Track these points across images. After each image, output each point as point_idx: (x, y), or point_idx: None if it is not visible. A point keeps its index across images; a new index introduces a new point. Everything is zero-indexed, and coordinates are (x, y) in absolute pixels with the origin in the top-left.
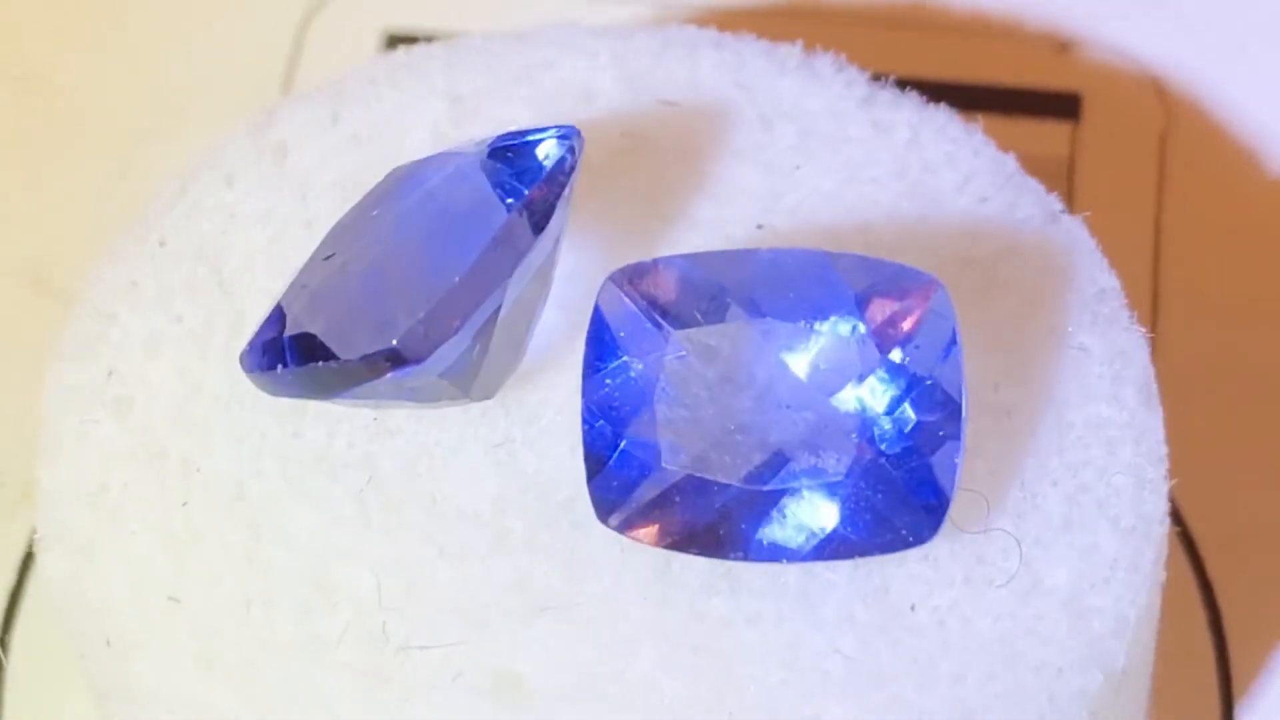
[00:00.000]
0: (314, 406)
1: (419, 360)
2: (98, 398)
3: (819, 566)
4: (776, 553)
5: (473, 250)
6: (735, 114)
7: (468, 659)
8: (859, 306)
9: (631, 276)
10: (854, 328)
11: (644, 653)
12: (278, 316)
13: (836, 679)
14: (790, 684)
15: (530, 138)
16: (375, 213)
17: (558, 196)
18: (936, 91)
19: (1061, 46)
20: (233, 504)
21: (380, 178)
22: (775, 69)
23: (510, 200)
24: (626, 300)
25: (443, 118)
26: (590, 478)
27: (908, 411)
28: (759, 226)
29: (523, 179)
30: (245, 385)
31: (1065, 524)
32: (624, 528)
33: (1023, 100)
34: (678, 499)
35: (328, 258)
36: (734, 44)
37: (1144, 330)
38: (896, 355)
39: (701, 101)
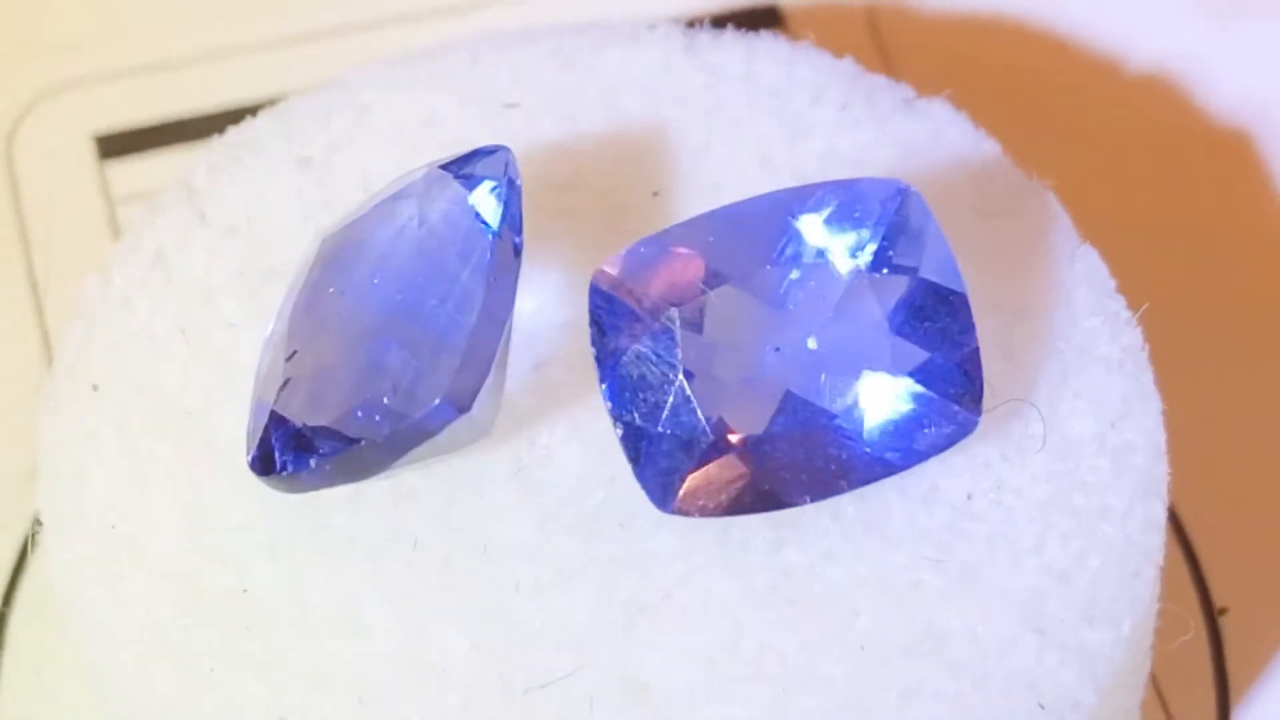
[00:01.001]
0: (322, 494)
1: (468, 408)
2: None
3: (867, 490)
4: (829, 488)
5: (476, 284)
6: (576, 100)
7: (592, 682)
8: (834, 231)
9: (611, 274)
10: (833, 253)
11: (748, 621)
12: (273, 418)
13: (933, 585)
14: (895, 603)
15: (468, 169)
16: (333, 288)
17: (520, 211)
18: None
19: None
20: (299, 620)
21: (268, 260)
22: (596, 45)
23: (487, 226)
24: (617, 296)
25: (304, 182)
26: (637, 471)
27: (915, 317)
28: (654, 193)
29: (485, 204)
30: (244, 502)
31: (1064, 376)
32: (683, 508)
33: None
34: (722, 465)
35: (293, 354)
36: (550, 35)
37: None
38: (884, 270)
39: (541, 98)
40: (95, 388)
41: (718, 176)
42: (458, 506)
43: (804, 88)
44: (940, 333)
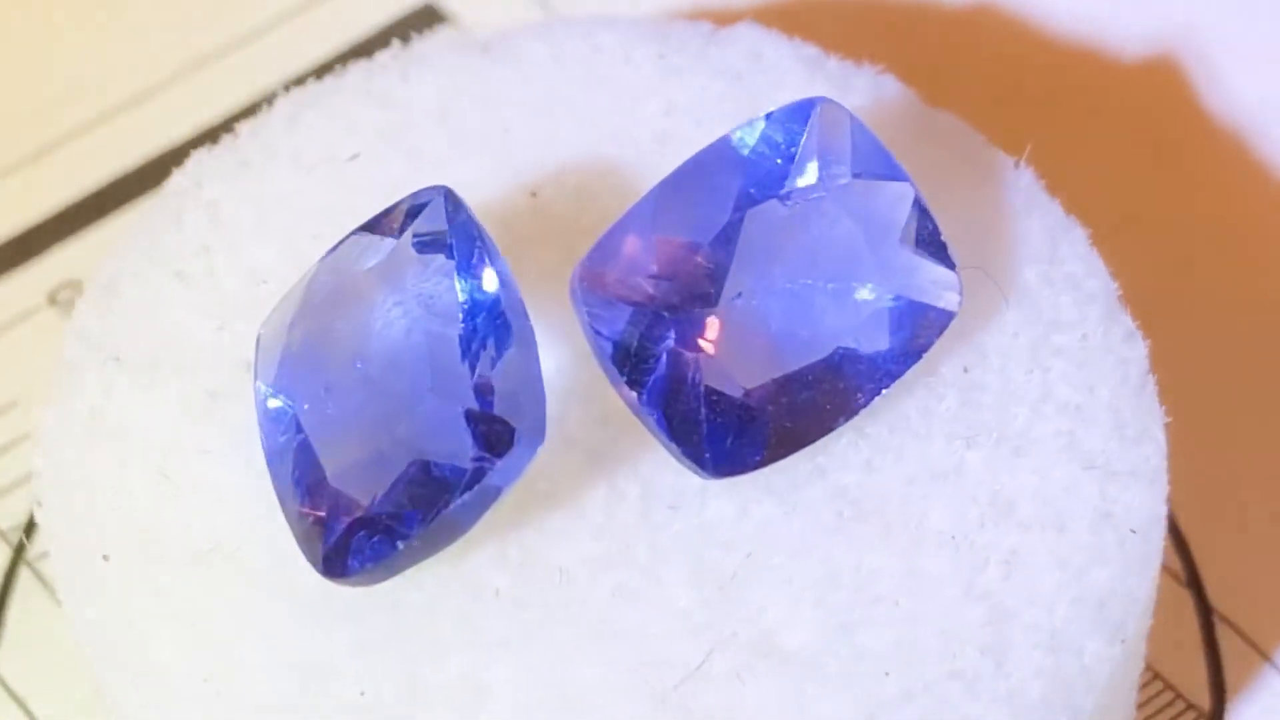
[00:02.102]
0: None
1: (543, 436)
2: None
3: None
4: (848, 407)
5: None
6: (406, 131)
7: (728, 659)
8: (774, 164)
9: (589, 278)
10: (784, 184)
11: (834, 552)
12: (339, 509)
13: (977, 458)
14: (954, 486)
15: (425, 229)
16: (326, 387)
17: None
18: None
19: None
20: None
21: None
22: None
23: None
24: (604, 298)
25: (191, 297)
26: (685, 451)
27: (876, 219)
28: (532, 194)
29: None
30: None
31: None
32: (729, 469)
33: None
34: (763, 412)
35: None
36: (359, 74)
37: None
38: (835, 182)
39: (376, 138)
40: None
41: (585, 159)
42: (512, 544)
43: (613, 53)
44: (902, 227)
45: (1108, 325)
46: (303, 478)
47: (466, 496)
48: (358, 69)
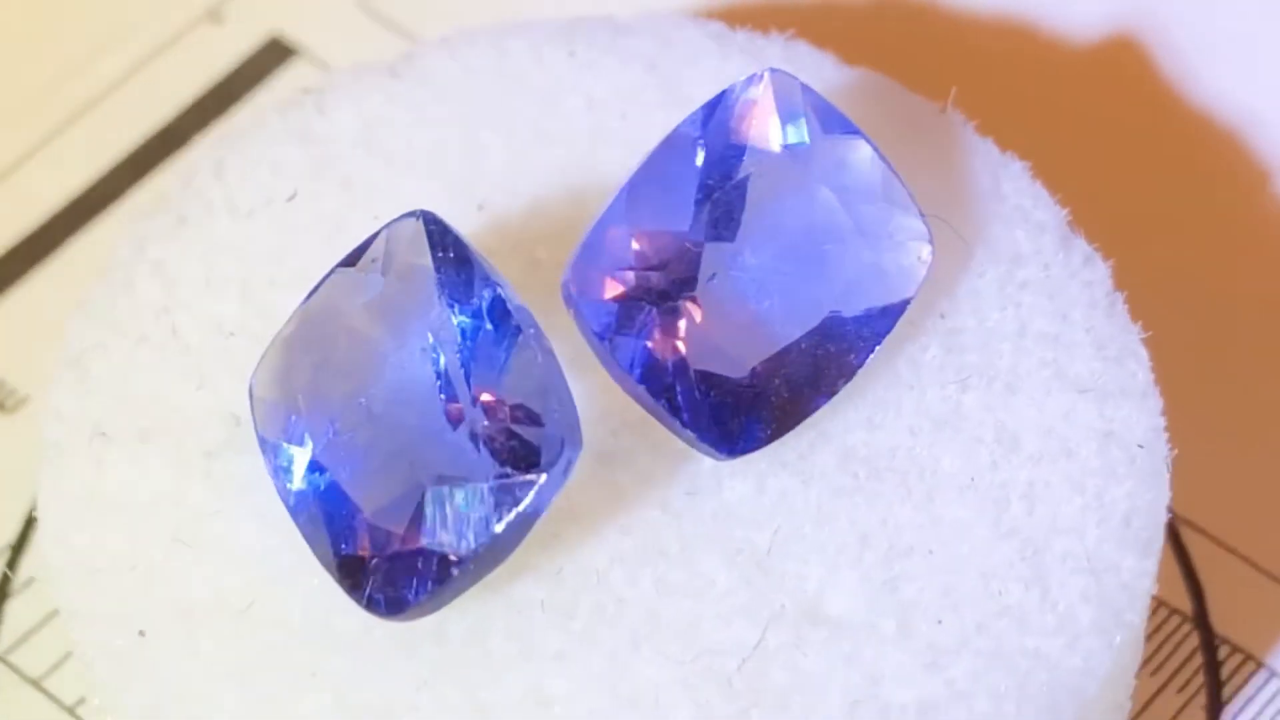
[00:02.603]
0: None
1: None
2: None
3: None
4: (844, 372)
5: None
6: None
7: (783, 635)
8: (738, 134)
9: (580, 279)
10: (746, 159)
11: (860, 513)
12: (384, 545)
13: (973, 400)
14: (956, 430)
15: (410, 258)
16: (350, 433)
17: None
18: None
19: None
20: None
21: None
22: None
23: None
24: (597, 297)
25: (164, 372)
26: (699, 436)
27: (844, 179)
28: (479, 207)
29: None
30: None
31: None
32: (742, 448)
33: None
34: (766, 387)
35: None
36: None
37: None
38: (801, 145)
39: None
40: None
41: (521, 166)
42: (541, 555)
43: (522, 57)
44: (868, 184)
45: (1065, 252)
46: (337, 520)
47: (512, 513)
48: (269, 109)
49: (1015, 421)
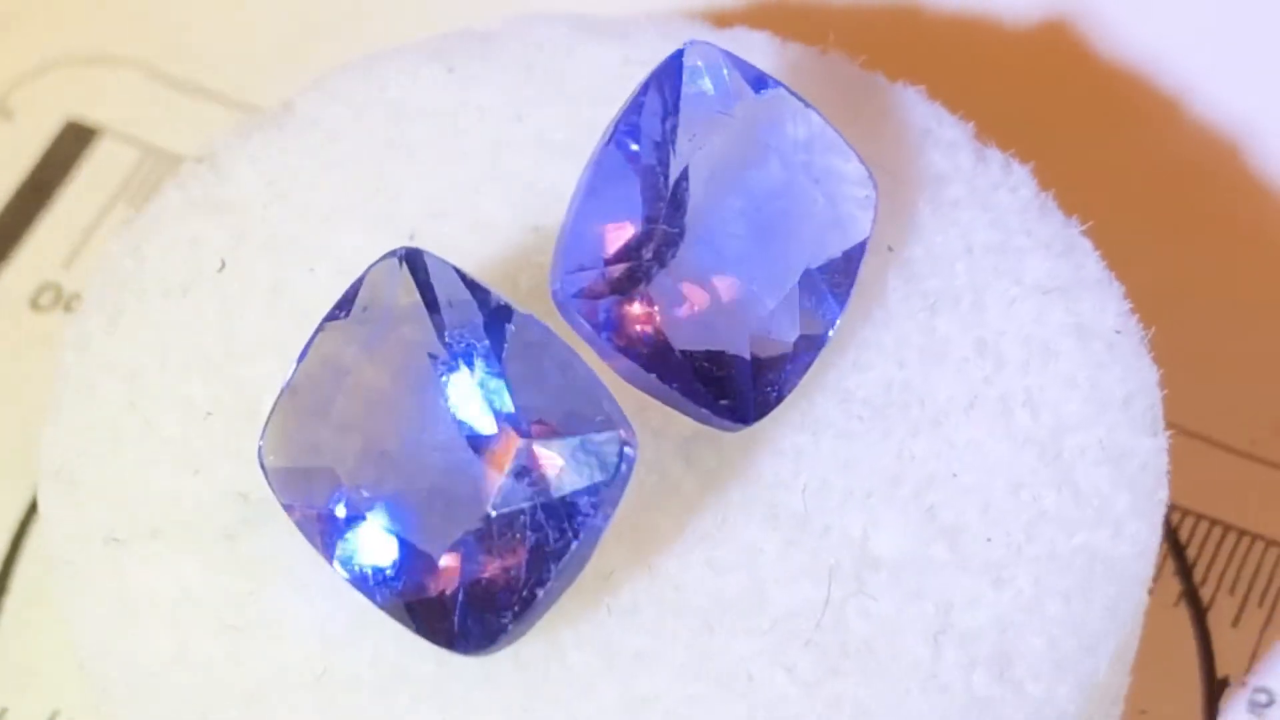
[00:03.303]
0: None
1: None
2: None
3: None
4: (835, 308)
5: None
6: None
7: (845, 587)
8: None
9: (570, 285)
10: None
11: (880, 447)
12: (463, 579)
13: (945, 324)
14: (941, 354)
15: (400, 298)
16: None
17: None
18: None
19: None
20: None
21: None
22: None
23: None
24: (589, 301)
25: (154, 465)
26: (719, 412)
27: (777, 129)
28: (410, 236)
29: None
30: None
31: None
32: (763, 409)
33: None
34: (766, 349)
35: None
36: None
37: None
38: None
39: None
40: None
41: (440, 192)
42: (591, 560)
43: (401, 82)
44: (804, 134)
45: (983, 164)
46: (403, 569)
47: (585, 525)
48: (164, 188)
49: (992, 334)
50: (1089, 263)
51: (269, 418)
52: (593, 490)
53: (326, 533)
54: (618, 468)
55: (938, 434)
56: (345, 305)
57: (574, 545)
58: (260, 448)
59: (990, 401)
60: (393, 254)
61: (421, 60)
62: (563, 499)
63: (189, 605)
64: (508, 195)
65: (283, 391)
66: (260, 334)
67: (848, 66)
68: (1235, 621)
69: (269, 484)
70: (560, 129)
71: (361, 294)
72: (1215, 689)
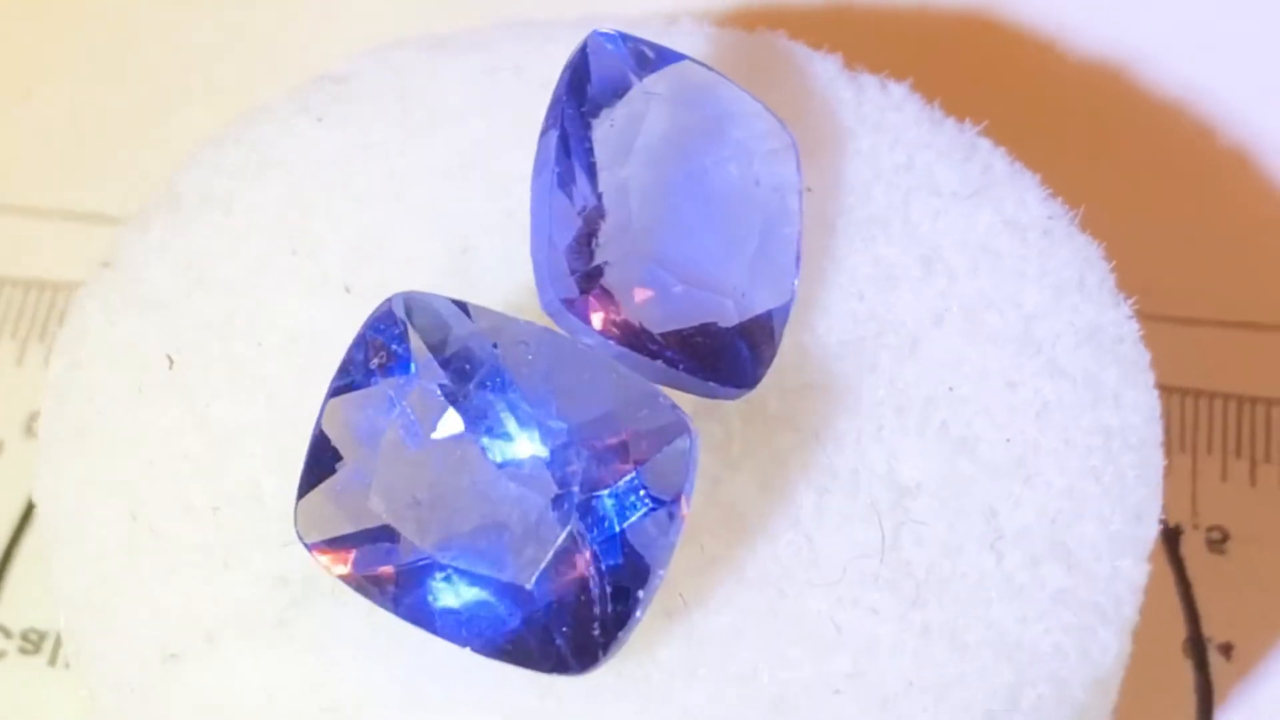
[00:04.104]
0: None
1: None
2: None
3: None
4: (793, 253)
5: None
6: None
7: (900, 515)
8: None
9: (558, 294)
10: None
11: (875, 384)
12: (564, 609)
13: (886, 249)
14: (895, 284)
15: (403, 349)
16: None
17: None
18: None
19: None
20: None
21: None
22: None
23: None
24: (579, 318)
25: (180, 577)
26: (726, 382)
27: (697, 99)
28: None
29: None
30: None
31: None
32: (762, 370)
33: None
34: (748, 313)
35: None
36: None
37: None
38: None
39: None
40: None
41: (355, 247)
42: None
43: (273, 140)
44: (721, 97)
45: (863, 90)
46: (493, 603)
47: (669, 526)
48: (78, 300)
49: (932, 250)
50: (995, 161)
51: (298, 498)
52: (665, 493)
53: (399, 592)
54: (688, 455)
55: (920, 354)
56: (348, 371)
57: (661, 548)
58: (297, 530)
59: (955, 312)
60: (383, 307)
61: (289, 115)
62: (641, 509)
63: (273, 703)
64: (425, 225)
65: (307, 468)
66: (235, 419)
67: (775, 42)
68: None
69: (316, 561)
70: (447, 148)
71: (359, 356)
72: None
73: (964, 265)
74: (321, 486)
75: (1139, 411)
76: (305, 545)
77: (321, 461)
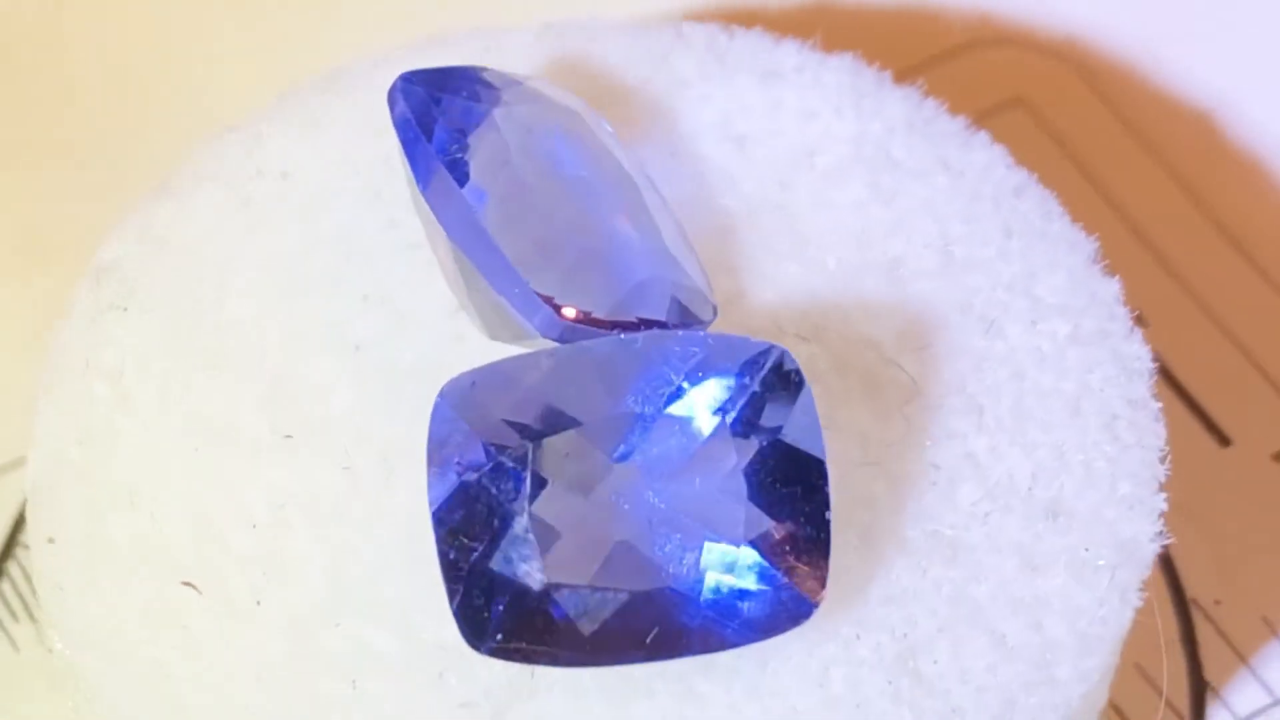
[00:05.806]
0: None
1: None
2: None
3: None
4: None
5: None
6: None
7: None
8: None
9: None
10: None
11: (875, 359)
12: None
13: (846, 215)
14: (867, 247)
15: None
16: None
17: None
18: None
19: None
20: None
21: None
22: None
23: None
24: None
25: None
26: (453, 606)
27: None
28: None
29: None
30: None
31: None
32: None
33: None
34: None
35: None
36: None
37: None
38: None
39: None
40: None
41: (313, 307)
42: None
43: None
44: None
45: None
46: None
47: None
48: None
49: (895, 217)
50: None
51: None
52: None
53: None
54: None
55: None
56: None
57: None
58: (455, 611)
59: (933, 271)
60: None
61: (215, 200)
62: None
63: None
64: (391, 277)
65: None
66: (227, 523)
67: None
68: None
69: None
70: (363, 187)
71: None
72: None
73: (928, 235)
74: (461, 577)
75: (1142, 361)
76: (456, 616)
77: (457, 563)
